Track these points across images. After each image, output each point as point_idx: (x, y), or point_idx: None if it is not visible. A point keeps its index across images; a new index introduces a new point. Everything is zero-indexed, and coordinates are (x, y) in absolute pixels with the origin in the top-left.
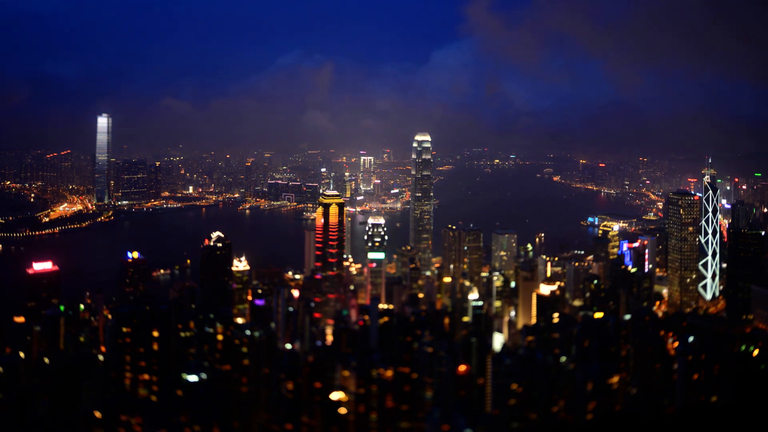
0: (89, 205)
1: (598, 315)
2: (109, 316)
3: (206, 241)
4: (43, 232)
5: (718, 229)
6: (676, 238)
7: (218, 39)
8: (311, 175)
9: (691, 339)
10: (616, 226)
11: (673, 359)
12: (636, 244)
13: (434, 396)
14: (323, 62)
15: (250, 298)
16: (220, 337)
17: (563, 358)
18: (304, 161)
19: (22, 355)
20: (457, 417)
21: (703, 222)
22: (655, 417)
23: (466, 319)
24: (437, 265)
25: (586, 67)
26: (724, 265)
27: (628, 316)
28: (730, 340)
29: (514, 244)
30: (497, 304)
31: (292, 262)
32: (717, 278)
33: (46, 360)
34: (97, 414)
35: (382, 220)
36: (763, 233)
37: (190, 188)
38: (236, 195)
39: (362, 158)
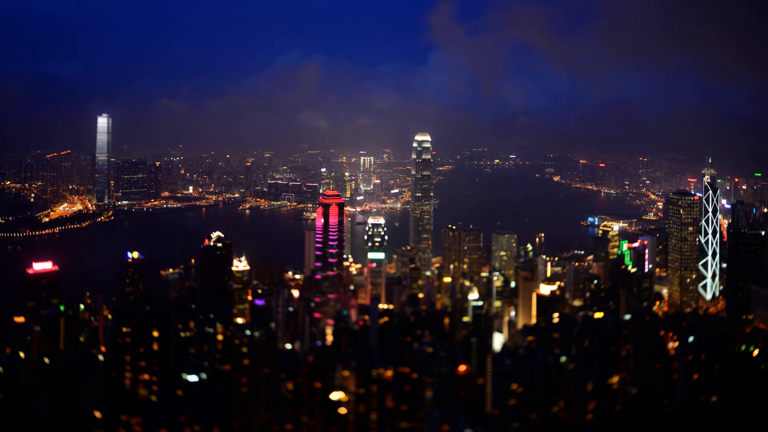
0: (89, 205)
1: (598, 315)
2: (109, 316)
3: (206, 241)
4: (43, 232)
5: (718, 229)
6: (676, 238)
7: (218, 39)
8: (311, 175)
9: (691, 339)
10: (616, 226)
11: (673, 359)
12: (636, 244)
13: (434, 396)
14: (321, 62)
15: (250, 298)
16: (220, 337)
17: (563, 358)
18: (304, 161)
19: (22, 355)
20: (457, 417)
21: (703, 222)
22: (655, 417)
23: (466, 319)
24: (437, 265)
25: (551, 77)
26: (724, 265)
27: (628, 316)
28: (730, 340)
29: (514, 244)
30: (497, 304)
31: (292, 262)
32: (717, 278)
33: (46, 360)
34: (97, 414)
35: (382, 220)
36: (763, 233)
37: (190, 188)
38: (236, 195)
39: (362, 158)
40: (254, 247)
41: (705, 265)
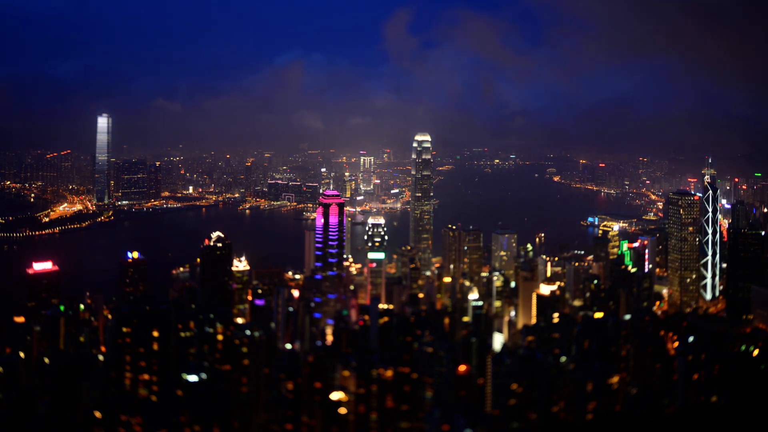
0: (89, 205)
1: (598, 315)
2: (109, 316)
3: (206, 241)
4: (43, 232)
5: (718, 229)
6: (676, 238)
7: (218, 39)
8: (311, 175)
9: (691, 339)
10: (616, 226)
11: (673, 359)
12: (636, 244)
13: (434, 396)
14: (321, 62)
15: (250, 298)
16: (220, 337)
17: (563, 358)
18: (304, 161)
19: (22, 355)
20: (457, 417)
21: (703, 222)
22: (655, 417)
23: (466, 319)
24: (437, 265)
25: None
26: (724, 265)
27: (628, 316)
28: (730, 340)
29: (514, 244)
30: (497, 304)
31: (292, 262)
32: (717, 278)
33: (46, 360)
34: (97, 414)
35: (382, 220)
36: (763, 233)
37: (190, 188)
38: (236, 195)
39: (362, 158)
40: (254, 247)
41: (705, 265)
